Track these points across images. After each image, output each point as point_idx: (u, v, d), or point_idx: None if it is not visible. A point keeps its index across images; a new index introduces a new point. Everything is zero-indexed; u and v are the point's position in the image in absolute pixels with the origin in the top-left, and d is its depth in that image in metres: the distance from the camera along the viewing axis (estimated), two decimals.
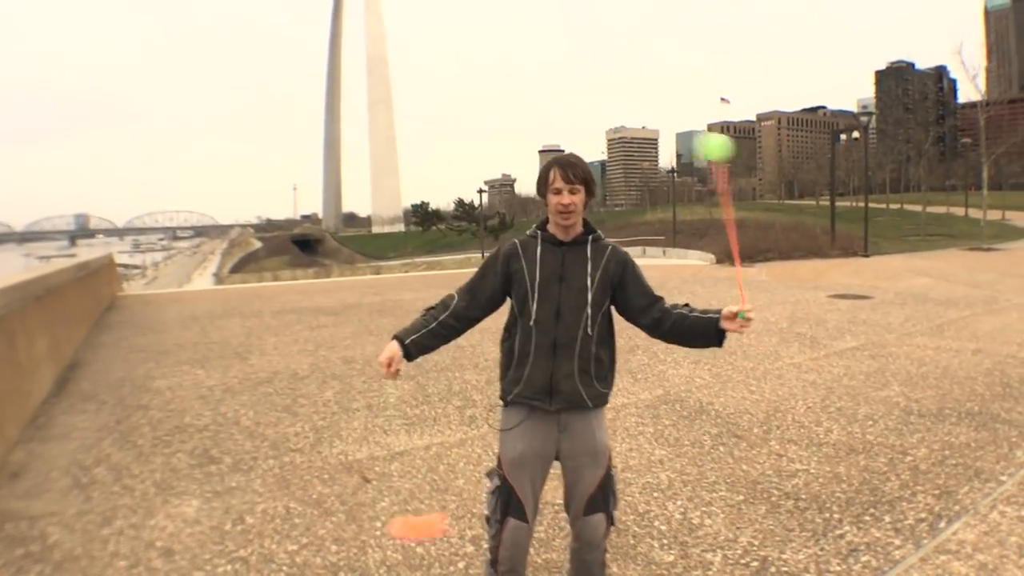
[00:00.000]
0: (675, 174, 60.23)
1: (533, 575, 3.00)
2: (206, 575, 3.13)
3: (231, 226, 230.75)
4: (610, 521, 2.49)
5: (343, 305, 12.82)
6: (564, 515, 3.45)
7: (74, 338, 9.10)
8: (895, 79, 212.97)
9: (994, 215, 40.78)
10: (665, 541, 3.30)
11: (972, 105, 32.52)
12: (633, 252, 10.81)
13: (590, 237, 2.44)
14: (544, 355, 2.36)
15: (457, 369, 6.88)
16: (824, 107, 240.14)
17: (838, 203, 30.68)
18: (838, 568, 3.00)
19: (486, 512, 2.53)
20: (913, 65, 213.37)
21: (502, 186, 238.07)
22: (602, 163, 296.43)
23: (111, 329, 10.82)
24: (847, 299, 11.88)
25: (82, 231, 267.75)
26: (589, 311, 2.36)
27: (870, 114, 28.88)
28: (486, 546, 3.23)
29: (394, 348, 2.39)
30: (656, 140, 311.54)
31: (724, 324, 2.29)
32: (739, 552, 3.16)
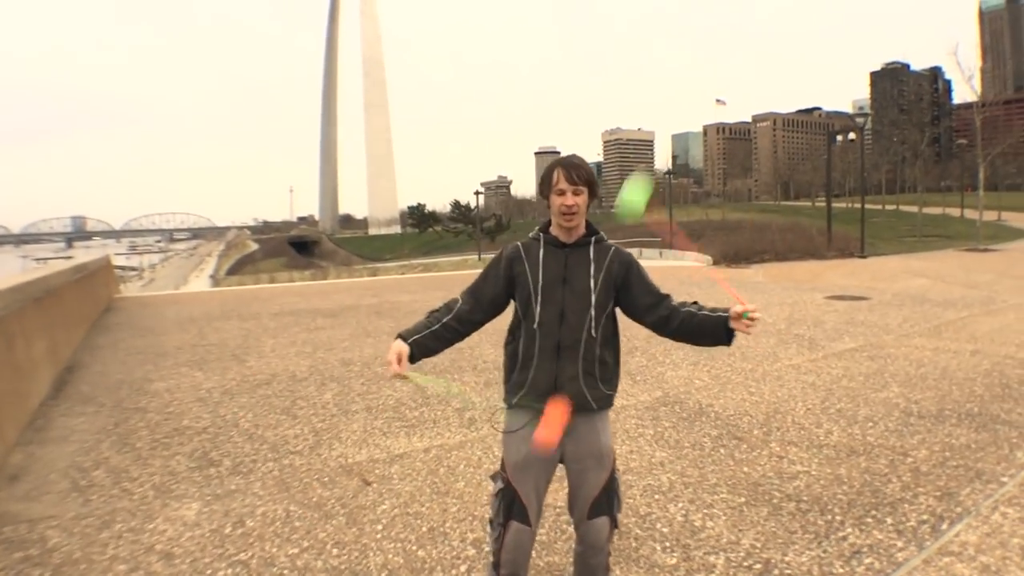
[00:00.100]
0: (672, 175, 60.17)
1: None
2: None
3: (228, 228, 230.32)
4: (614, 524, 2.48)
5: (340, 307, 12.80)
6: (566, 517, 3.46)
7: (72, 340, 9.08)
8: (890, 80, 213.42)
9: (990, 216, 40.94)
10: (667, 544, 3.29)
11: (968, 106, 32.61)
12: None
13: (593, 238, 2.43)
14: (548, 358, 2.35)
15: (456, 371, 6.87)
16: (819, 108, 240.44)
17: (834, 204, 30.72)
18: (841, 570, 3.00)
19: (489, 515, 2.52)
20: (908, 66, 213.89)
21: (498, 188, 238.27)
22: (598, 164, 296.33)
23: (109, 331, 10.79)
24: (844, 300, 11.90)
25: (79, 233, 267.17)
26: (593, 313, 2.35)
27: (866, 115, 28.97)
28: (488, 549, 3.23)
29: (401, 346, 2.39)
30: (652, 141, 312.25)
31: (733, 324, 2.29)
32: (742, 554, 3.16)
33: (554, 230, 2.44)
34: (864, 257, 22.66)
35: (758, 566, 3.05)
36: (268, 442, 5.02)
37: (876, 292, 12.97)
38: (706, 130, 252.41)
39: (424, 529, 3.53)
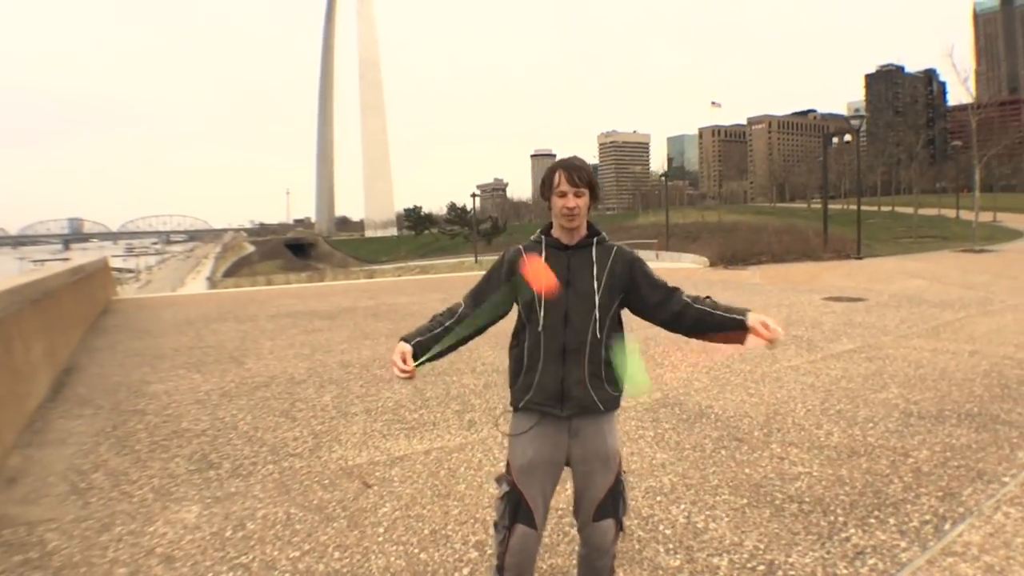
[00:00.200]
0: (667, 178, 60.30)
1: None
2: None
3: (224, 230, 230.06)
4: (619, 527, 2.46)
5: (338, 309, 12.78)
6: (568, 520, 3.46)
7: (70, 342, 9.05)
8: (885, 82, 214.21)
9: (986, 217, 41.07)
10: (671, 545, 3.28)
11: (962, 108, 32.67)
12: None
13: (595, 239, 2.42)
14: (554, 361, 2.34)
15: (455, 373, 6.85)
16: (814, 110, 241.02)
17: (830, 206, 30.78)
18: (845, 571, 2.99)
19: (494, 518, 2.50)
20: (903, 68, 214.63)
21: (494, 190, 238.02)
22: (594, 167, 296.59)
23: (106, 333, 10.75)
24: (842, 302, 11.92)
25: (76, 235, 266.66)
26: (597, 314, 2.34)
27: (862, 117, 29.04)
28: (490, 551, 3.22)
29: (404, 346, 2.38)
30: (647, 144, 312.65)
31: (752, 338, 2.30)
32: (745, 556, 3.15)
33: (556, 232, 2.42)
34: (860, 258, 22.71)
35: (762, 568, 3.05)
36: (267, 444, 5.00)
37: (873, 293, 12.99)
38: (701, 132, 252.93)
39: (426, 532, 3.51)
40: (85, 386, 7.09)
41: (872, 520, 3.49)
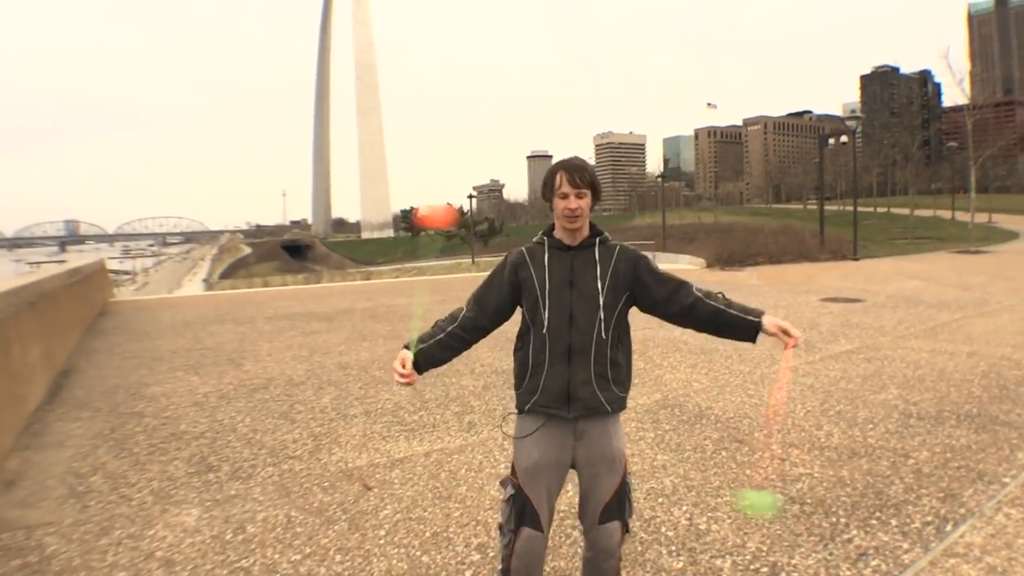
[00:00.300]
0: (663, 179, 60.31)
1: None
2: None
3: (221, 232, 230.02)
4: (625, 529, 2.45)
5: (335, 311, 12.76)
6: (570, 522, 3.45)
7: (67, 344, 9.02)
8: (880, 83, 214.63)
9: (981, 218, 41.14)
10: (673, 547, 3.28)
11: (958, 109, 32.69)
12: None
13: (597, 239, 2.41)
14: (559, 362, 2.32)
15: (454, 375, 6.85)
16: (810, 112, 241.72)
17: (826, 207, 30.82)
18: (848, 572, 2.99)
19: (500, 521, 2.49)
20: (898, 70, 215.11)
21: (491, 191, 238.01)
22: None
23: (104, 335, 10.72)
24: (839, 302, 11.93)
25: (72, 237, 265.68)
26: (602, 314, 2.32)
27: (858, 118, 29.11)
28: (492, 554, 3.22)
29: (406, 354, 2.38)
30: (643, 145, 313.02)
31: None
32: (748, 558, 3.14)
33: (558, 233, 2.41)
34: (857, 259, 22.72)
35: (765, 569, 3.04)
36: (267, 447, 4.98)
37: (870, 294, 13.01)
38: (697, 133, 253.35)
39: (427, 534, 3.50)
40: (83, 388, 7.06)
41: (874, 521, 3.48)
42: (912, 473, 4.13)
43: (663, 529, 3.47)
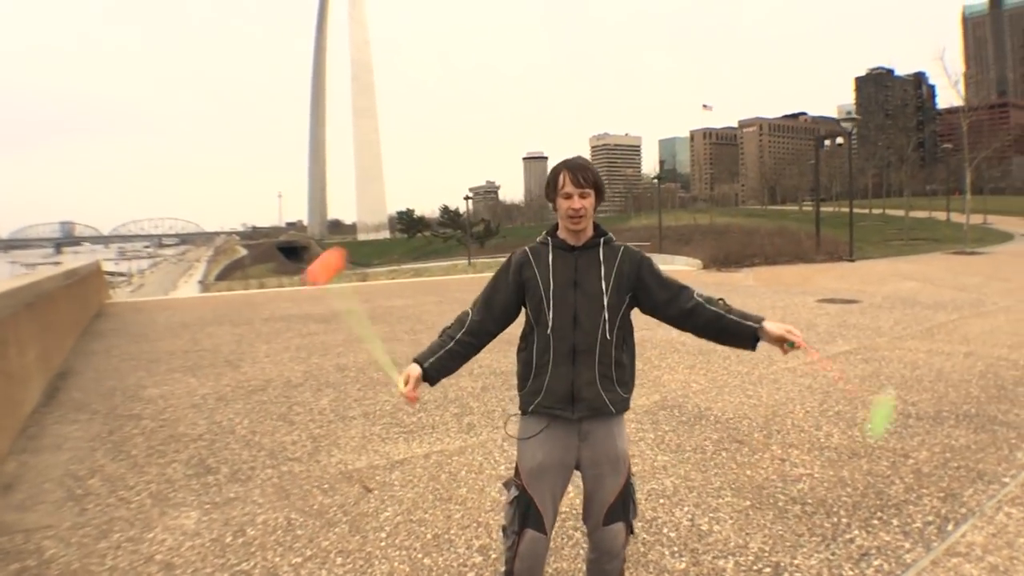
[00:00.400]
0: (659, 180, 60.44)
1: None
2: None
3: (216, 233, 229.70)
4: (630, 530, 2.45)
5: (333, 312, 12.72)
6: (572, 523, 3.45)
7: (64, 346, 8.98)
8: (875, 85, 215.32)
9: (976, 219, 41.30)
10: (675, 548, 3.27)
11: (953, 111, 32.90)
12: None
13: (601, 240, 2.40)
14: (563, 363, 2.32)
15: (452, 376, 6.81)
16: (805, 113, 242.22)
17: (821, 208, 30.88)
18: (851, 572, 2.99)
19: (503, 522, 2.48)
20: (892, 71, 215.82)
21: (487, 193, 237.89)
22: None
23: (101, 337, 10.68)
24: (836, 303, 11.96)
25: (68, 238, 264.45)
26: (606, 315, 2.32)
27: (854, 120, 29.09)
28: (494, 556, 3.21)
29: (413, 369, 2.37)
30: (639, 146, 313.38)
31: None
32: (751, 558, 3.14)
33: (562, 233, 2.40)
34: (853, 260, 22.79)
35: (768, 570, 3.04)
36: (266, 449, 4.96)
37: (866, 295, 13.04)
38: (693, 135, 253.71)
39: (429, 536, 3.49)
40: (80, 390, 7.03)
41: (875, 521, 3.49)
42: (912, 473, 4.13)
43: (665, 530, 3.47)
